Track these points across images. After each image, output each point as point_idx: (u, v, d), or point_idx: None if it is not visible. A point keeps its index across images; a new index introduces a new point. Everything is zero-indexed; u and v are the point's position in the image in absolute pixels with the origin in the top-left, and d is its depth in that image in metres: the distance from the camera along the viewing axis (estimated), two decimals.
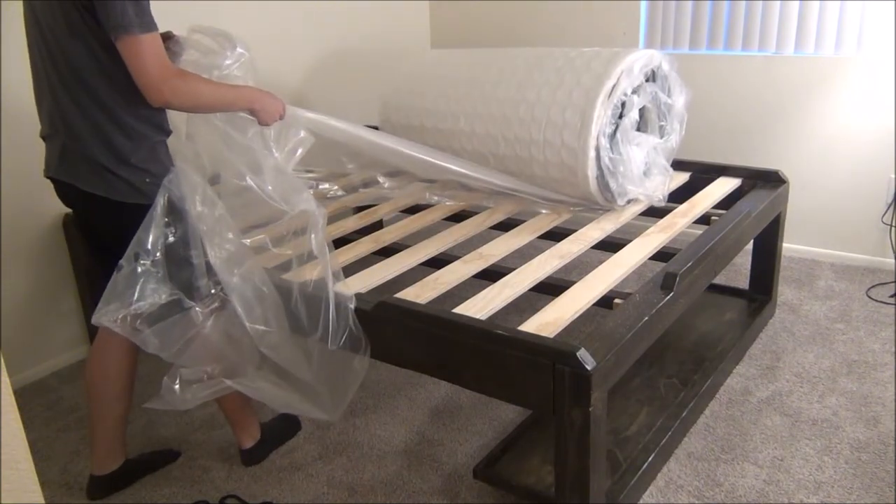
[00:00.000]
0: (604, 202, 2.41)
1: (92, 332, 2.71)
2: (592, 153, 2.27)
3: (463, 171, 2.48)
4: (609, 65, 2.33)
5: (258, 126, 1.87)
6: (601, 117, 2.26)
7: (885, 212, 3.10)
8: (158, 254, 1.71)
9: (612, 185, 2.34)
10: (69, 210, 2.54)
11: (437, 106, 2.65)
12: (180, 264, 1.75)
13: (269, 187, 1.80)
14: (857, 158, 3.11)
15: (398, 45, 3.85)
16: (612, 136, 2.32)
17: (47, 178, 1.80)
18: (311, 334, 1.78)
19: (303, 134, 1.98)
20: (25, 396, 2.50)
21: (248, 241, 1.86)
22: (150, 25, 1.56)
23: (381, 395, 2.42)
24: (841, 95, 3.08)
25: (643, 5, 3.41)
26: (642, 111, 2.46)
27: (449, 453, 2.13)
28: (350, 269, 2.04)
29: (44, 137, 1.78)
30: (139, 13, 1.54)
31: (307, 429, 2.26)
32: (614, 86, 2.28)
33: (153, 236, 1.70)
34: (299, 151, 1.97)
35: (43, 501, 0.86)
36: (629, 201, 2.47)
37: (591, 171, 2.30)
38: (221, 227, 1.78)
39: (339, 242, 2.33)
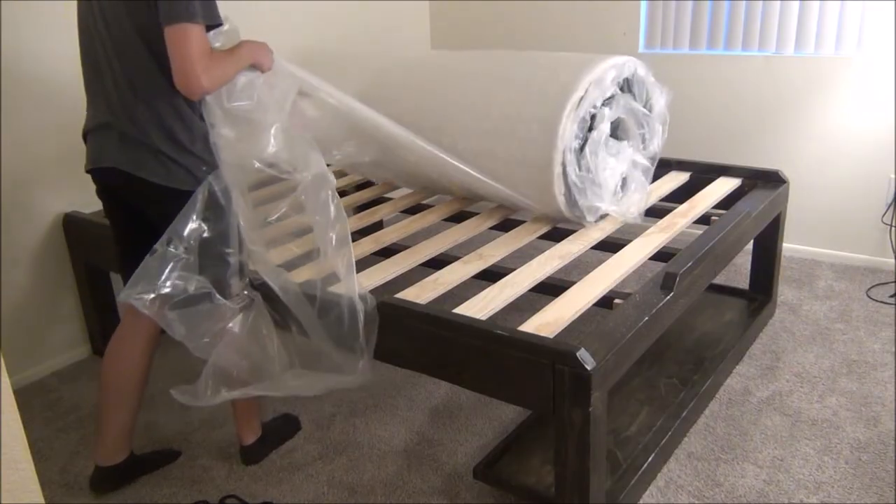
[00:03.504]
0: (574, 219, 2.31)
1: (92, 332, 2.72)
2: (558, 169, 2.16)
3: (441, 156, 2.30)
4: (577, 74, 2.21)
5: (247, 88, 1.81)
6: (567, 131, 2.14)
7: (885, 212, 3.10)
8: (192, 242, 1.74)
9: (581, 202, 2.24)
10: (69, 210, 2.57)
11: (401, 118, 2.34)
12: (215, 259, 1.79)
13: (282, 155, 1.79)
14: (857, 158, 3.11)
15: (398, 45, 3.85)
16: (581, 150, 2.22)
17: (92, 169, 1.82)
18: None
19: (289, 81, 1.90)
20: (25, 396, 2.50)
21: (272, 219, 1.88)
22: (204, 18, 1.59)
23: (381, 395, 2.42)
24: (841, 95, 3.08)
25: (643, 5, 3.41)
26: (618, 122, 2.36)
27: (449, 453, 2.13)
28: None
29: (91, 130, 1.81)
30: (205, 7, 1.59)
31: (307, 429, 2.26)
32: (581, 98, 2.16)
33: (190, 226, 1.74)
34: (290, 97, 1.90)
35: (43, 501, 0.86)
36: (603, 217, 2.36)
37: (558, 189, 2.19)
38: (259, 221, 1.81)
39: None
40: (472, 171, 2.30)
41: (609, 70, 2.23)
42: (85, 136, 1.85)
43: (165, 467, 2.12)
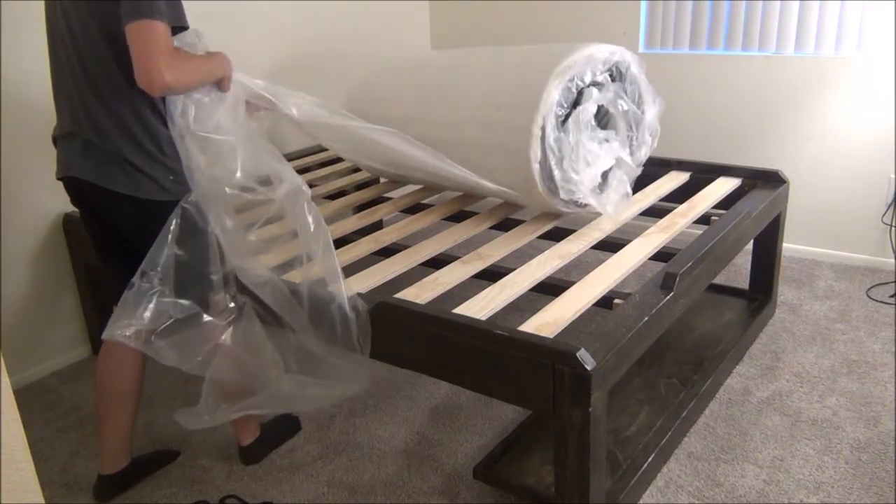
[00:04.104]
0: (546, 195, 2.19)
1: (92, 332, 2.72)
2: (537, 131, 2.09)
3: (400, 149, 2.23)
4: (569, 49, 2.19)
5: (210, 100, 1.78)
6: (550, 95, 2.09)
7: (885, 212, 3.10)
8: (170, 271, 1.71)
9: (557, 173, 2.14)
10: (69, 210, 2.57)
11: (389, 95, 2.52)
12: (196, 280, 1.76)
13: (251, 175, 1.76)
14: (857, 158, 3.11)
15: (398, 46, 3.85)
16: (563, 123, 2.14)
17: (62, 178, 1.79)
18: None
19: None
20: (25, 396, 2.50)
21: (253, 237, 1.86)
22: (168, 18, 1.55)
23: (381, 395, 2.42)
24: (841, 95, 3.08)
25: (643, 5, 3.41)
26: (607, 116, 2.30)
27: (449, 453, 2.13)
28: (350, 269, 2.04)
29: (59, 137, 1.78)
30: (170, 7, 1.55)
31: (307, 429, 2.26)
32: (569, 67, 2.12)
33: (165, 254, 1.71)
34: (241, 104, 1.86)
35: (43, 501, 0.86)
36: (579, 205, 2.26)
37: (534, 154, 2.10)
38: (240, 236, 1.79)
39: (339, 242, 2.32)
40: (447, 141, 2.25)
41: (601, 50, 2.21)
42: (54, 141, 1.82)
43: (166, 467, 2.12)
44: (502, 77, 2.29)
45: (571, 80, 2.13)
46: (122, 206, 1.73)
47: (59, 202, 2.57)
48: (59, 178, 1.81)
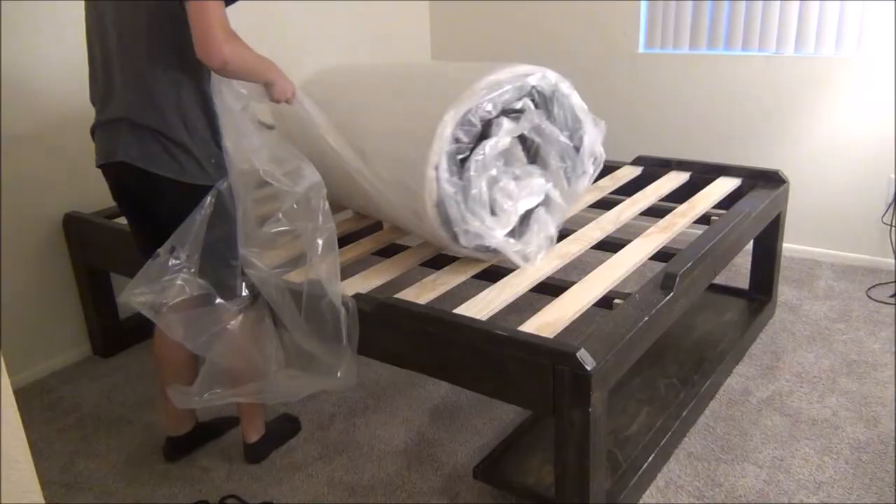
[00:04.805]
0: (448, 241, 1.95)
1: (92, 332, 2.72)
2: (431, 172, 1.84)
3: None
4: (474, 73, 1.94)
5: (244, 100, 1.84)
6: (447, 129, 1.84)
7: (885, 212, 3.10)
8: (196, 249, 1.75)
9: (455, 218, 1.88)
10: (69, 210, 2.57)
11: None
12: (218, 263, 1.81)
13: (268, 166, 1.80)
14: (857, 158, 3.11)
15: (398, 49, 3.85)
16: (465, 160, 1.89)
17: (103, 165, 1.83)
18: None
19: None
20: (25, 396, 2.50)
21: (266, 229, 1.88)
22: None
23: (381, 395, 2.42)
24: (841, 95, 3.08)
25: (643, 5, 3.41)
26: (535, 147, 2.03)
27: (449, 453, 2.13)
28: (350, 270, 2.04)
29: (100, 125, 1.82)
30: None
31: (307, 429, 2.26)
32: (471, 95, 1.87)
33: (194, 234, 1.74)
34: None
35: (43, 501, 0.86)
36: (491, 251, 1.99)
37: (429, 197, 1.86)
38: (252, 226, 1.83)
39: (340, 242, 2.32)
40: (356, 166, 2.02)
41: (509, 74, 1.94)
42: (93, 131, 1.85)
43: (166, 467, 2.12)
44: (406, 102, 2.05)
45: (472, 110, 1.87)
46: (165, 191, 1.77)
47: (60, 202, 2.58)
48: (99, 166, 1.85)
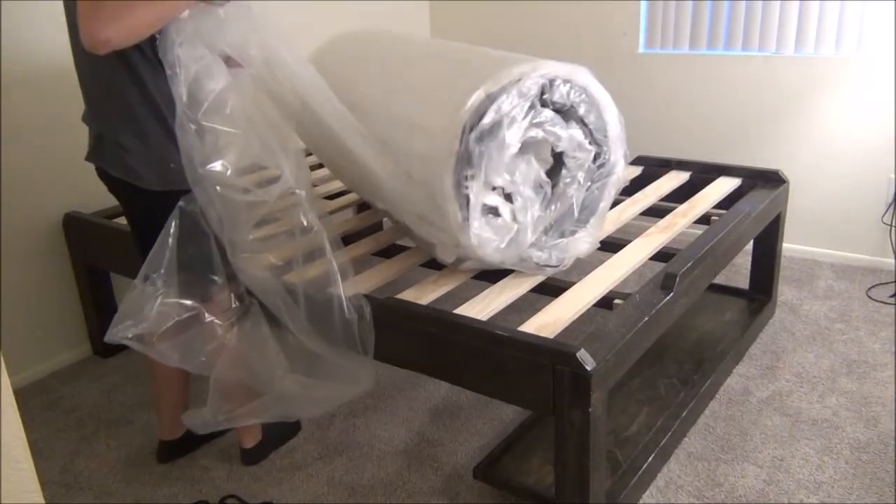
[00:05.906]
0: (456, 228, 1.79)
1: (92, 332, 2.72)
2: (456, 145, 1.70)
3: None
4: (512, 63, 1.78)
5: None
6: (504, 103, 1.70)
7: (885, 212, 3.10)
8: (173, 274, 1.71)
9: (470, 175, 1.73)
10: (69, 210, 2.57)
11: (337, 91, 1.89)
12: (199, 280, 1.76)
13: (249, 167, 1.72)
14: (857, 158, 3.11)
15: None
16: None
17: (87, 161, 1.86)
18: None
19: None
20: (25, 396, 2.50)
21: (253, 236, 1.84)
22: None
23: (381, 395, 2.42)
24: (841, 95, 3.08)
25: (643, 5, 3.41)
26: (560, 155, 1.87)
27: (449, 453, 2.13)
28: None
29: (86, 123, 1.84)
30: None
31: (307, 429, 2.26)
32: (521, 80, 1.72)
33: (167, 258, 1.70)
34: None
35: (43, 501, 0.86)
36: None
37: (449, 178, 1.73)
38: (243, 231, 1.78)
39: (339, 243, 2.32)
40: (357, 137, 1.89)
41: (539, 69, 1.76)
42: None
43: (165, 467, 2.12)
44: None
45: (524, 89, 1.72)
46: (128, 195, 1.78)
47: (60, 202, 2.58)
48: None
